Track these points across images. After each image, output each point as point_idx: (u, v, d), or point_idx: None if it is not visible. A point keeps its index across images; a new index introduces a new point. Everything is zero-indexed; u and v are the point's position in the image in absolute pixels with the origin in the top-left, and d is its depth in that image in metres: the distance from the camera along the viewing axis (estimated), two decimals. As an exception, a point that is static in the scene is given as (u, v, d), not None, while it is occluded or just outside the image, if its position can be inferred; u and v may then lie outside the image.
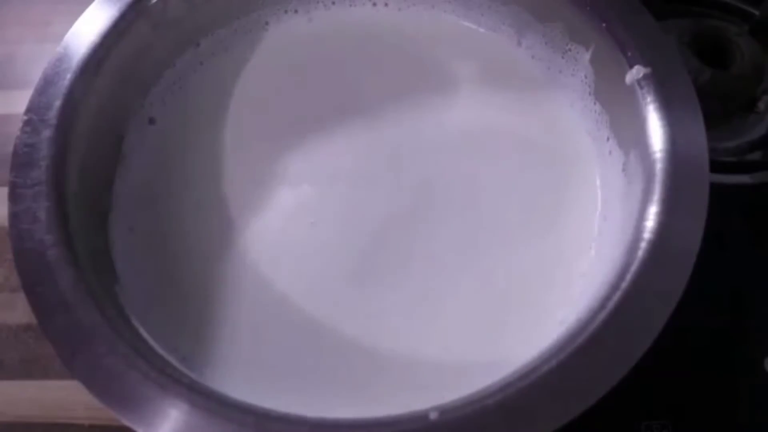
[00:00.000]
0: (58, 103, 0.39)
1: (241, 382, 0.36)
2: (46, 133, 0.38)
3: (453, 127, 0.44)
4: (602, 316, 0.31)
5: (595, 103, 0.42)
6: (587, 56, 0.41)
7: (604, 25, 0.39)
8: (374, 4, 0.48)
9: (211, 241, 0.41)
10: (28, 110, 0.39)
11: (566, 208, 0.41)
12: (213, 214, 0.42)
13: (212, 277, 0.40)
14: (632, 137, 0.37)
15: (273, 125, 0.45)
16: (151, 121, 0.44)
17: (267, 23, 0.48)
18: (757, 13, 0.50)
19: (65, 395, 0.43)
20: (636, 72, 0.37)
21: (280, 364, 0.37)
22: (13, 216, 0.36)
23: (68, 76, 0.40)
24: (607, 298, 0.31)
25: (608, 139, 0.40)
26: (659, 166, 0.34)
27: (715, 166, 0.39)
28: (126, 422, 0.31)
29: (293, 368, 0.37)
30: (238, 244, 0.41)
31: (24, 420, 0.43)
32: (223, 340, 0.38)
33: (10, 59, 0.56)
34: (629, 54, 0.38)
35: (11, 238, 0.35)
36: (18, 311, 0.46)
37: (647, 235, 0.32)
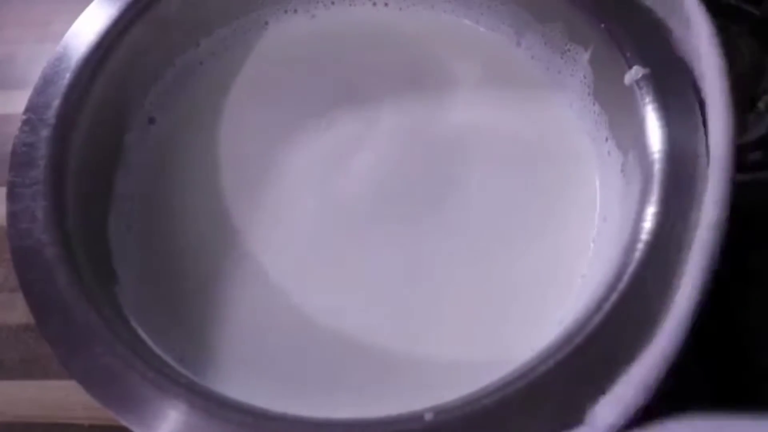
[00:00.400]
0: (57, 103, 0.39)
1: (242, 383, 0.36)
2: (45, 132, 0.38)
3: (452, 126, 0.44)
4: (599, 316, 0.31)
5: (594, 104, 0.41)
6: (586, 56, 0.41)
7: (603, 25, 0.39)
8: (374, 4, 0.48)
9: (210, 241, 0.41)
10: (27, 110, 0.39)
11: (565, 209, 0.41)
12: (213, 214, 0.42)
13: (212, 277, 0.40)
14: (631, 138, 0.37)
15: (273, 124, 0.45)
16: (151, 120, 0.44)
17: (267, 23, 0.48)
18: (757, 13, 0.50)
19: (65, 395, 0.43)
20: (635, 72, 0.37)
21: (280, 363, 0.37)
22: (12, 215, 0.36)
23: (67, 76, 0.40)
24: (604, 299, 0.31)
25: (607, 139, 0.40)
26: (657, 167, 0.34)
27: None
28: (124, 423, 0.31)
29: (293, 368, 0.37)
30: (238, 244, 0.41)
31: (24, 420, 0.43)
32: (223, 340, 0.38)
33: (11, 59, 0.56)
34: (628, 54, 0.38)
35: (9, 238, 0.35)
36: (18, 311, 0.46)
37: (644, 236, 0.32)
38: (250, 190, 0.43)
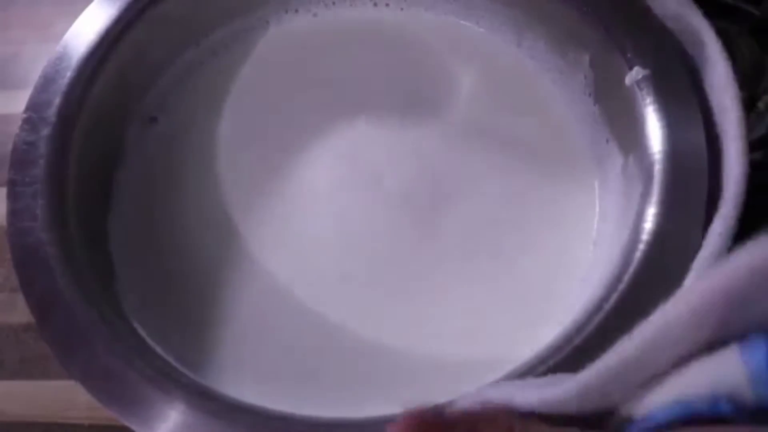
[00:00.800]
0: (57, 101, 0.39)
1: (241, 382, 0.36)
2: (46, 131, 0.38)
3: (452, 127, 0.44)
4: (599, 317, 0.31)
5: (594, 105, 0.41)
6: (587, 57, 0.41)
7: (603, 26, 0.39)
8: (375, 4, 0.48)
9: (211, 241, 0.41)
10: (28, 108, 0.39)
11: (565, 210, 0.41)
12: (213, 214, 0.42)
13: (213, 278, 0.40)
14: (631, 139, 0.37)
15: (273, 123, 0.45)
16: (152, 120, 0.44)
17: (268, 22, 0.48)
18: (757, 13, 0.50)
19: (65, 395, 0.43)
20: (635, 73, 0.37)
21: (281, 363, 0.37)
22: (12, 214, 0.36)
23: (68, 75, 0.40)
24: (604, 299, 0.31)
25: (607, 140, 0.40)
26: (657, 168, 0.34)
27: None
28: (124, 422, 0.31)
29: (293, 368, 0.37)
30: (239, 244, 0.41)
31: (24, 420, 0.43)
32: (223, 340, 0.38)
33: (14, 59, 0.56)
34: (629, 55, 0.38)
35: (9, 237, 0.35)
36: (18, 311, 0.45)
37: (645, 236, 0.32)
38: (250, 190, 0.43)
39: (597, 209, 0.40)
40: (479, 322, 0.38)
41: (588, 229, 0.40)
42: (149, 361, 0.33)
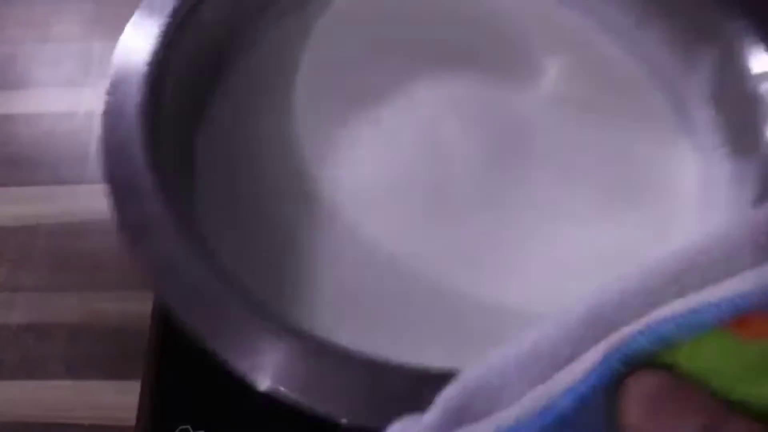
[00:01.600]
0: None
1: (326, 323, 0.35)
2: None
3: (532, 119, 0.43)
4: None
5: (707, 107, 0.40)
6: (708, 57, 0.39)
7: (732, 23, 0.38)
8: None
9: (293, 184, 0.40)
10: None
11: (663, 226, 0.39)
12: (295, 157, 0.41)
13: (295, 219, 0.39)
14: (748, 143, 0.36)
15: (353, 76, 0.44)
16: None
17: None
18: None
19: (65, 395, 0.42)
20: None
21: (363, 304, 0.37)
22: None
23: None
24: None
25: (722, 144, 0.39)
26: None
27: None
28: (217, 351, 0.29)
29: (378, 309, 0.36)
30: (320, 188, 0.40)
31: (24, 420, 0.42)
32: (308, 281, 0.37)
33: (11, 59, 0.56)
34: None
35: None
36: (18, 311, 0.44)
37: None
38: (329, 137, 0.42)
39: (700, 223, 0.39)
40: (564, 281, 0.37)
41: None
42: (247, 298, 0.31)
